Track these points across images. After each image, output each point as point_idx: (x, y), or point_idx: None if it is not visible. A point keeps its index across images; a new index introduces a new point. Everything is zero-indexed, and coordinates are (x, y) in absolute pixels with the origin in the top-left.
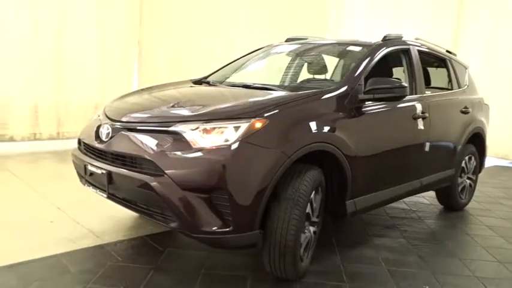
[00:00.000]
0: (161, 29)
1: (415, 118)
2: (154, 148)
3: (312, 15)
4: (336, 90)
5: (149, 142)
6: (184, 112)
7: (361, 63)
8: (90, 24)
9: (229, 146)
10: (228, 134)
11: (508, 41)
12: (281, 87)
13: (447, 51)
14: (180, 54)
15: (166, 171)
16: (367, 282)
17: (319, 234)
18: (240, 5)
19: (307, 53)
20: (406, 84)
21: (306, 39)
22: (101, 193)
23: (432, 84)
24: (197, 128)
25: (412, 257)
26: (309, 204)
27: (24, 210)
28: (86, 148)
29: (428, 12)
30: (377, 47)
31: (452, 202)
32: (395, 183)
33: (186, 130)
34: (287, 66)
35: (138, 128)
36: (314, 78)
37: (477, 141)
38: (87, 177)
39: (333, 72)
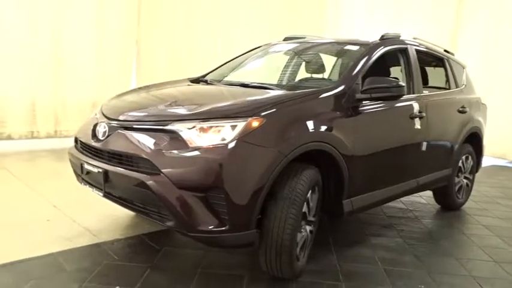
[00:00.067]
0: (159, 29)
1: (412, 117)
2: (151, 147)
3: (310, 15)
4: (333, 90)
5: (146, 141)
6: (181, 111)
7: (359, 63)
8: (89, 23)
9: (226, 145)
10: (224, 133)
11: (506, 41)
12: (279, 86)
13: (445, 50)
14: (179, 53)
15: (162, 170)
16: (363, 281)
17: (315, 234)
18: (239, 5)
19: (305, 52)
20: (403, 84)
21: (304, 38)
22: (98, 192)
23: (430, 84)
24: (194, 127)
25: (408, 257)
26: (305, 203)
27: (21, 208)
28: (82, 146)
29: (426, 12)
30: (374, 46)
31: (449, 202)
32: (392, 183)
33: (182, 129)
34: (285, 65)
35: (135, 126)
36: (312, 77)
37: (474, 140)
38: (83, 176)
39: (331, 71)
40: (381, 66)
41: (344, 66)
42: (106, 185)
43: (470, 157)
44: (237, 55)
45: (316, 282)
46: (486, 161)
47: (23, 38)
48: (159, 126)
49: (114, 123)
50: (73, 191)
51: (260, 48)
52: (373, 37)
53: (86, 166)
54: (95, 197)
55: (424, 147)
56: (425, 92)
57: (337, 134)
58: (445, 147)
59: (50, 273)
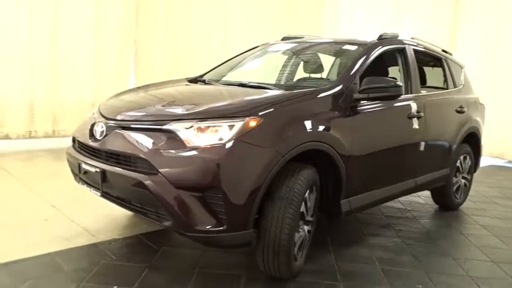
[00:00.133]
0: (158, 28)
1: (410, 117)
2: (149, 146)
3: (308, 15)
4: (331, 89)
5: (143, 140)
6: (179, 110)
7: (357, 62)
8: (87, 23)
9: (224, 144)
10: (222, 133)
11: (504, 42)
12: (277, 86)
13: (443, 50)
14: (177, 53)
15: (160, 170)
16: (361, 281)
17: (313, 233)
18: (237, 5)
19: (303, 52)
20: (401, 84)
21: (302, 38)
22: (95, 191)
23: (428, 84)
24: (191, 127)
25: (406, 256)
26: (303, 203)
27: (19, 208)
28: (80, 146)
29: (424, 13)
30: (372, 46)
31: (447, 201)
32: (390, 183)
33: (180, 129)
34: (283, 65)
35: (133, 126)
36: (310, 77)
37: (472, 140)
38: (81, 176)
39: (329, 71)
40: (379, 66)
41: (342, 66)
42: (103, 185)
43: (468, 157)
44: (235, 55)
45: (314, 282)
46: (484, 161)
47: (21, 38)
48: (156, 125)
49: (111, 123)
50: (71, 191)
51: (258, 48)
52: (372, 37)
53: (84, 166)
54: (93, 196)
55: (422, 147)
56: (423, 92)
57: (334, 133)
58: (443, 147)
59: (48, 273)
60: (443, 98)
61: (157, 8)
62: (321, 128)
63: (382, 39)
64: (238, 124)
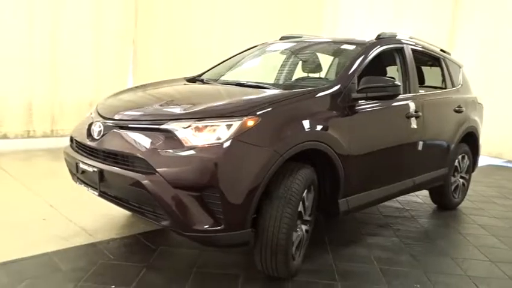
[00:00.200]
0: (156, 28)
1: (409, 117)
2: (146, 146)
3: (308, 14)
4: (329, 89)
5: (141, 140)
6: (177, 110)
7: (355, 62)
8: (86, 23)
9: (221, 144)
10: (220, 132)
11: (503, 42)
12: (275, 85)
13: (441, 50)
14: (175, 53)
15: (157, 170)
16: (359, 281)
17: (311, 233)
18: (236, 4)
19: (301, 51)
20: (399, 83)
21: (301, 37)
22: (93, 191)
23: (426, 83)
24: (189, 126)
25: (404, 256)
26: (301, 202)
27: (17, 207)
28: (77, 146)
29: (424, 13)
30: (371, 46)
31: (446, 201)
32: (388, 182)
33: (178, 128)
34: (281, 65)
35: (130, 125)
36: (308, 76)
37: (470, 140)
38: (79, 175)
39: (328, 70)
40: (377, 66)
41: (340, 65)
42: (101, 184)
43: (466, 156)
44: (234, 54)
45: (312, 282)
46: (482, 161)
47: (19, 38)
48: (154, 125)
49: (109, 123)
50: (69, 191)
51: (257, 47)
52: (372, 37)
53: (81, 165)
54: (90, 196)
55: (420, 147)
56: (422, 92)
57: (333, 133)
58: (441, 146)
59: (45, 272)
60: (441, 97)
61: (157, 8)
62: (319, 127)
63: (380, 39)
64: (236, 123)
